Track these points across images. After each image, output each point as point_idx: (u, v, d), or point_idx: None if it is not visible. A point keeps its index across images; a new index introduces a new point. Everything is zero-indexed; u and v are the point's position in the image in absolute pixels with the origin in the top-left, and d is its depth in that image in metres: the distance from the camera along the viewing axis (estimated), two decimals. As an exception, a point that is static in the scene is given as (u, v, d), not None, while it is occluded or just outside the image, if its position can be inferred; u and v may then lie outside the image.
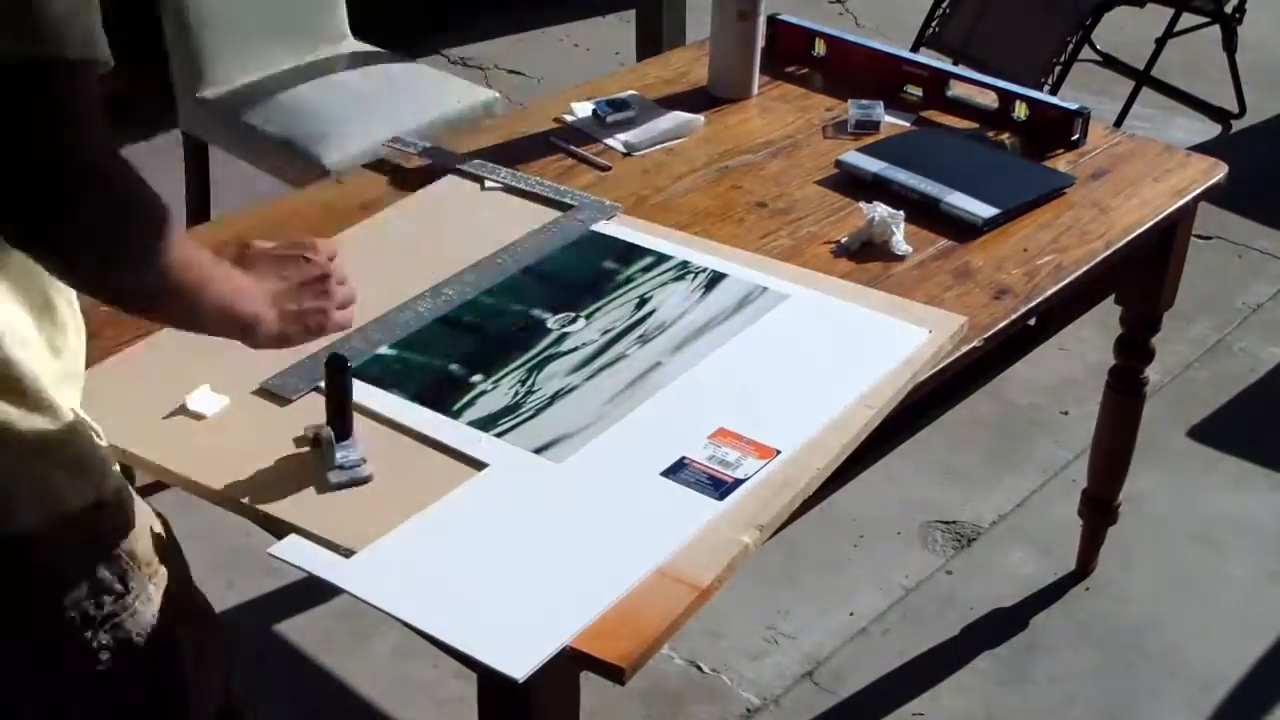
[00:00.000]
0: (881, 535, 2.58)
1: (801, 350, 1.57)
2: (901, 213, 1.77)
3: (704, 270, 1.69)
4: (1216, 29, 4.08)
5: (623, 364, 1.52)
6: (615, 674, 1.18)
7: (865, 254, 1.75)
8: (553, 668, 1.26)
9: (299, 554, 1.26)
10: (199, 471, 1.35)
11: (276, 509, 1.31)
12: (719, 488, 1.35)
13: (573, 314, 1.60)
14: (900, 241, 1.75)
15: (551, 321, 1.59)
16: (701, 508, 1.33)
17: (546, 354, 1.54)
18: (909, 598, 2.44)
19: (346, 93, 2.81)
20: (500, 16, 4.70)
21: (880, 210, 1.76)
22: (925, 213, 1.86)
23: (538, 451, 1.39)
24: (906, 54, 2.26)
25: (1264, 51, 4.52)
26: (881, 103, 2.11)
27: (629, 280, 1.67)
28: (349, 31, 3.03)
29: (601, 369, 1.52)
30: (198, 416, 1.42)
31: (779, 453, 1.40)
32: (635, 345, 1.55)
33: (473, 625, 1.20)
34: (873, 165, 1.94)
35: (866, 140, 2.05)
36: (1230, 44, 4.10)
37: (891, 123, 2.10)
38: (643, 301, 1.63)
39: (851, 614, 2.40)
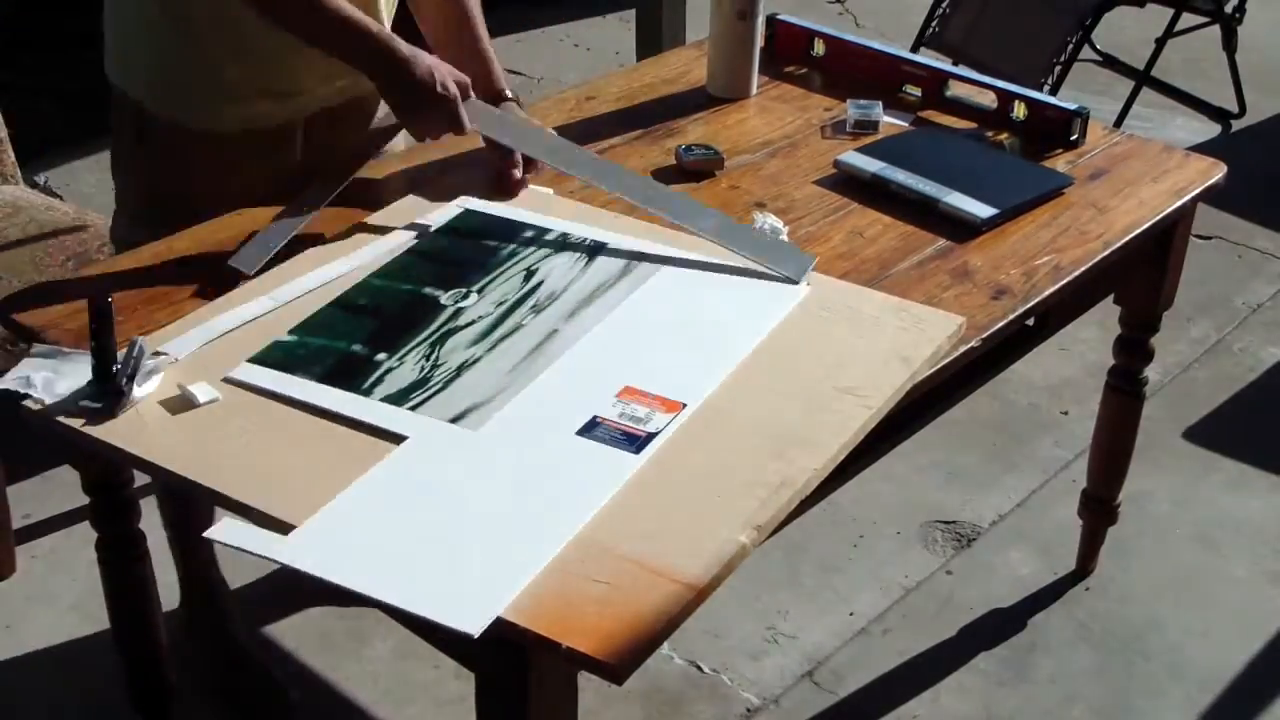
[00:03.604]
0: (881, 535, 2.58)
1: (690, 310, 1.63)
2: (786, 228, 1.78)
3: (584, 240, 1.74)
4: (1216, 29, 4.09)
5: (521, 333, 1.56)
6: (612, 674, 1.18)
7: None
8: (552, 668, 1.26)
9: (237, 536, 1.28)
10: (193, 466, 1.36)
11: (224, 487, 1.32)
12: (634, 442, 1.40)
13: (464, 289, 1.64)
14: None
15: (445, 298, 1.62)
16: (621, 463, 1.37)
17: (446, 329, 1.57)
18: (909, 598, 2.44)
19: (346, 93, 2.80)
20: (500, 16, 4.70)
21: (769, 221, 1.77)
22: (924, 213, 1.86)
23: (454, 421, 1.42)
24: (906, 54, 2.26)
25: (1264, 51, 4.52)
26: (880, 103, 2.11)
27: (513, 254, 1.71)
28: (349, 32, 3.03)
29: (502, 339, 1.55)
30: (189, 404, 1.43)
31: (685, 406, 1.46)
32: (530, 315, 1.60)
33: (421, 589, 1.23)
34: (871, 165, 1.94)
35: (865, 140, 2.05)
36: (1230, 44, 4.10)
37: (890, 123, 2.10)
38: (530, 273, 1.67)
39: (851, 614, 2.40)
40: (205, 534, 1.28)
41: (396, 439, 1.39)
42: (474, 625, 1.18)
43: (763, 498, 1.34)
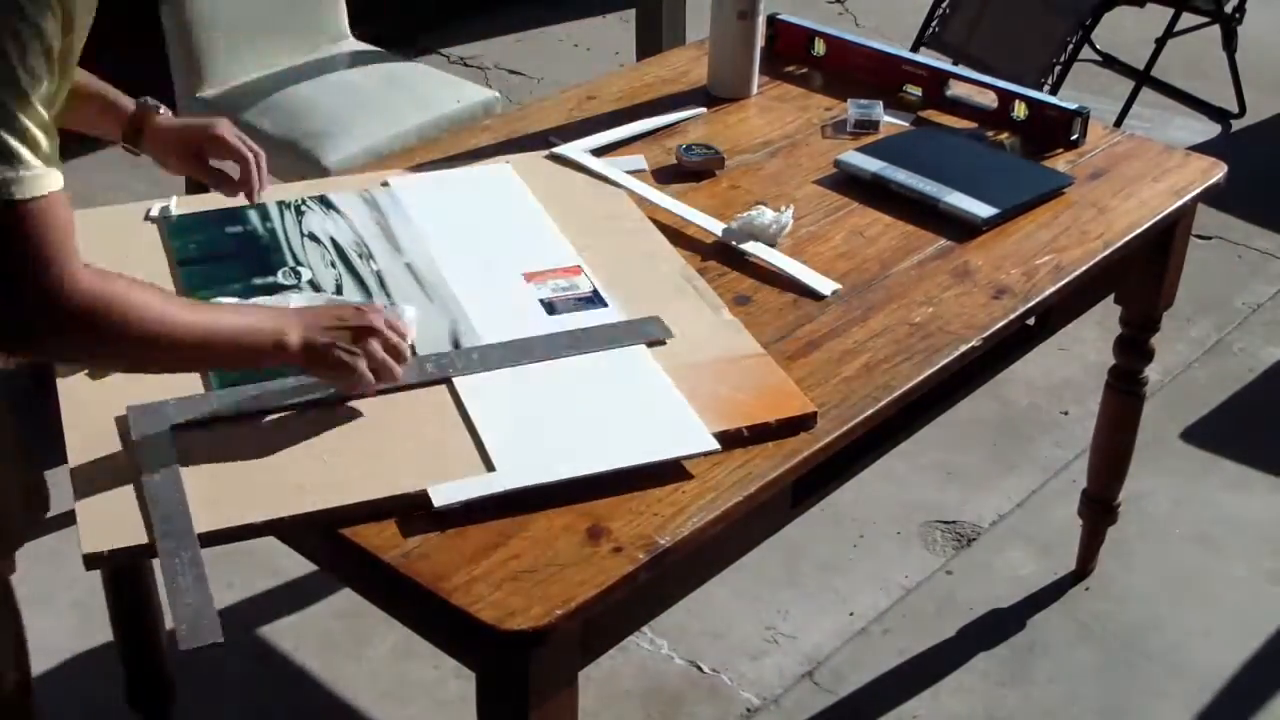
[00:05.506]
0: (881, 535, 2.58)
1: (461, 204, 1.79)
2: (791, 213, 1.79)
3: (297, 202, 1.77)
4: (1216, 29, 4.09)
5: (389, 276, 1.63)
6: (810, 420, 1.43)
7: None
8: (553, 667, 1.27)
9: (456, 492, 1.30)
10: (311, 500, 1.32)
11: (390, 489, 1.32)
12: (591, 302, 1.58)
13: (285, 268, 1.63)
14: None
15: (284, 278, 1.61)
16: (611, 317, 1.56)
17: (329, 298, 1.57)
18: (909, 598, 2.44)
19: (346, 92, 2.81)
20: (500, 16, 4.71)
21: (767, 215, 1.78)
22: (924, 212, 1.86)
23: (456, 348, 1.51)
24: (906, 54, 2.26)
25: (1264, 51, 4.52)
26: (880, 102, 2.11)
27: (271, 231, 1.71)
28: (349, 31, 3.04)
29: (382, 286, 1.61)
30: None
31: (580, 267, 1.64)
32: (368, 261, 1.66)
33: (636, 447, 1.35)
34: (871, 165, 1.94)
35: (865, 140, 2.05)
36: (1230, 44, 4.10)
37: (890, 122, 2.10)
38: (312, 237, 1.70)
39: (851, 614, 2.40)
40: (433, 499, 1.29)
41: (439, 382, 1.45)
42: (709, 444, 1.36)
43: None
